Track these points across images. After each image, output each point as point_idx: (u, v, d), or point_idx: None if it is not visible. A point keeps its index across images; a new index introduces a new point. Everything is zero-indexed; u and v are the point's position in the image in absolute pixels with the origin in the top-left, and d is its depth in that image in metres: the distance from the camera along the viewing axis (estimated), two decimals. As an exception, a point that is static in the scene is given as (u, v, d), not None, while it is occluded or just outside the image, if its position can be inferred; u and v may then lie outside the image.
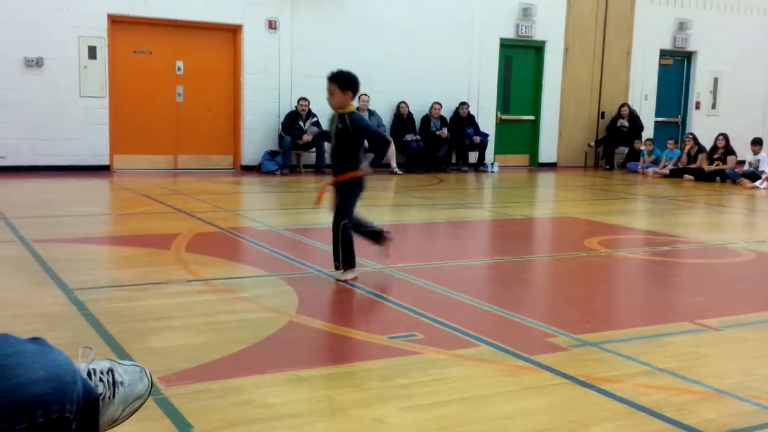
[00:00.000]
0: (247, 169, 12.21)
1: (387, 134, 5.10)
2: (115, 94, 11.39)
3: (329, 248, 5.81)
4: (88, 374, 1.49)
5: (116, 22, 11.26)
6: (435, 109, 13.43)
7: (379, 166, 11.87)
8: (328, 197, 4.92)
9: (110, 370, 1.53)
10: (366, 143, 5.03)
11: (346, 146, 4.75)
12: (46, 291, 4.29)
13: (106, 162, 11.36)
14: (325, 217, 8.21)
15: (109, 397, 1.51)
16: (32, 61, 10.69)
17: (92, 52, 11.07)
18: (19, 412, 1.23)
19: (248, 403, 2.77)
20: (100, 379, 1.51)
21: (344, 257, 4.79)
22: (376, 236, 4.99)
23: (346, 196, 4.79)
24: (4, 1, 10.38)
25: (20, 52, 10.60)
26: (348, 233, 4.78)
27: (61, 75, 10.89)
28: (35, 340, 1.35)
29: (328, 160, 4.90)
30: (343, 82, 4.64)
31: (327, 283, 4.75)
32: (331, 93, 4.67)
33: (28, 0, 10.52)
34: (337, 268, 4.83)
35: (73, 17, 10.83)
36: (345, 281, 4.72)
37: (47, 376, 1.26)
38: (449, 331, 3.75)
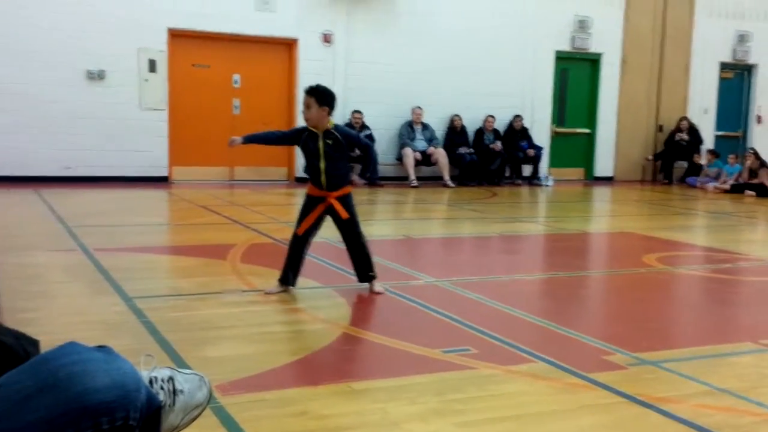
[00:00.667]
0: (302, 181, 12.32)
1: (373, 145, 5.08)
2: (174, 107, 11.63)
3: (382, 260, 5.82)
4: (150, 382, 1.51)
5: (176, 36, 11.52)
6: (488, 121, 13.36)
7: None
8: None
9: (171, 379, 1.56)
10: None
11: (339, 161, 4.72)
12: (107, 299, 4.39)
13: (165, 173, 11.60)
14: (378, 229, 8.25)
15: (169, 405, 1.54)
16: (94, 73, 11.00)
17: (152, 66, 11.35)
18: (85, 418, 1.25)
19: (302, 414, 2.78)
20: (161, 387, 1.53)
21: (371, 267, 4.80)
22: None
23: (352, 210, 4.81)
24: (68, 14, 10.71)
25: (83, 64, 10.91)
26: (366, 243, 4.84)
27: (122, 88, 11.18)
28: (101, 348, 1.38)
29: (303, 174, 4.83)
30: (321, 97, 4.64)
31: (381, 296, 4.75)
32: (307, 106, 4.66)
33: (91, 14, 10.84)
34: (362, 280, 4.82)
35: (135, 31, 11.12)
36: (379, 292, 4.74)
37: (112, 384, 1.29)
38: (503, 346, 3.71)
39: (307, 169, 4.80)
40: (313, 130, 4.68)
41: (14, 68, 10.52)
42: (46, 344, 2.47)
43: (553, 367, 3.40)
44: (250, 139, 4.91)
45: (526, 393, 3.09)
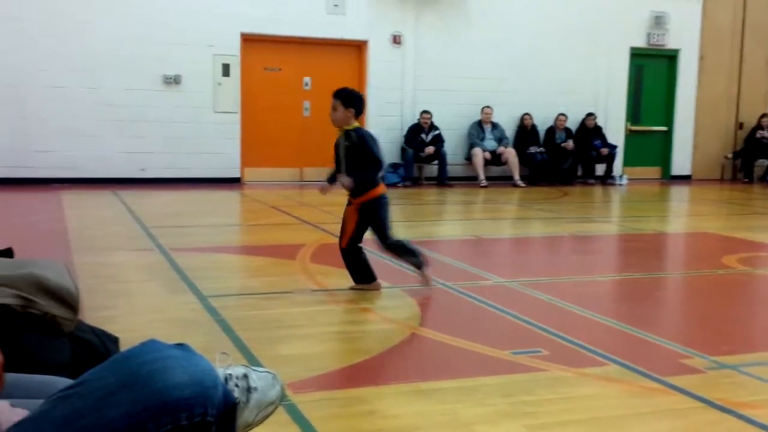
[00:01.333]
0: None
1: (384, 160, 4.94)
2: (246, 110, 11.86)
3: (451, 260, 5.80)
4: (225, 379, 1.54)
5: (248, 40, 11.73)
6: (560, 120, 13.16)
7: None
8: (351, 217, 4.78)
9: (245, 376, 1.58)
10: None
11: (358, 163, 4.66)
12: (182, 297, 4.50)
13: (237, 174, 11.84)
14: (447, 229, 8.23)
15: (244, 402, 1.57)
16: (170, 78, 11.31)
17: (226, 70, 11.59)
18: (165, 414, 1.29)
19: (372, 413, 2.79)
20: (236, 384, 1.56)
21: (411, 261, 4.77)
22: (413, 258, 4.84)
23: (378, 216, 4.69)
24: (144, 21, 11.04)
25: (159, 70, 11.23)
26: (397, 243, 4.76)
27: (196, 92, 11.46)
28: (180, 345, 1.42)
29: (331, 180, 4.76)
30: (347, 99, 4.63)
31: (449, 296, 4.73)
32: (334, 108, 4.67)
33: (167, 20, 11.14)
34: (357, 281, 4.78)
35: (209, 36, 11.38)
36: (428, 282, 4.72)
37: (191, 381, 1.32)
38: (575, 348, 3.64)
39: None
40: (341, 128, 4.71)
41: (94, 75, 10.90)
42: (125, 341, 2.54)
43: (627, 370, 3.32)
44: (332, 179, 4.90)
45: (599, 396, 3.02)
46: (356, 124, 4.75)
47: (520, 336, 3.88)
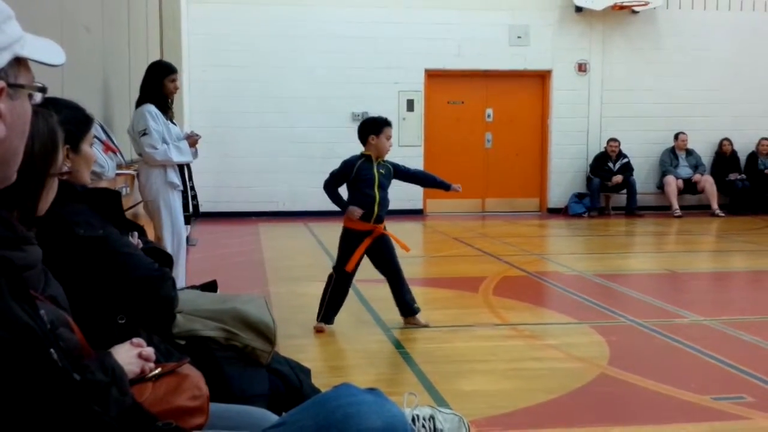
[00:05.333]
0: (554, 212, 12.12)
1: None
2: (429, 143, 12.07)
3: (643, 296, 5.52)
4: (413, 420, 1.57)
5: (432, 76, 11.97)
6: (763, 145, 12.18)
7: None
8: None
9: (432, 417, 1.60)
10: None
11: (388, 191, 4.79)
12: (368, 329, 4.63)
13: (419, 206, 12.04)
14: (637, 263, 7.84)
15: (431, 444, 1.58)
16: (358, 115, 11.77)
17: (410, 105, 11.89)
18: None
19: (558, 456, 2.70)
20: (423, 426, 1.59)
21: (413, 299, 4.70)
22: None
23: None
24: (335, 62, 11.59)
25: (349, 108, 11.74)
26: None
27: (382, 127, 11.83)
28: (372, 390, 1.46)
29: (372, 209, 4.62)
30: None
31: (641, 334, 4.49)
32: (388, 138, 4.76)
33: (357, 61, 11.63)
34: (407, 314, 4.65)
35: (395, 74, 11.75)
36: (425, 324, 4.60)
37: (383, 426, 1.36)
38: (786, 397, 3.32)
39: (356, 200, 4.73)
40: (373, 158, 4.76)
41: (287, 115, 11.59)
42: (315, 371, 2.65)
43: None
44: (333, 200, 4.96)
45: (816, 453, 2.74)
46: None
47: (720, 380, 3.60)
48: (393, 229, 11.14)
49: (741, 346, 4.20)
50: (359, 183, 4.74)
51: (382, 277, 6.49)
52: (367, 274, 6.55)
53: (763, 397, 3.30)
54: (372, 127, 4.78)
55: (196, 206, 5.51)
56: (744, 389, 3.42)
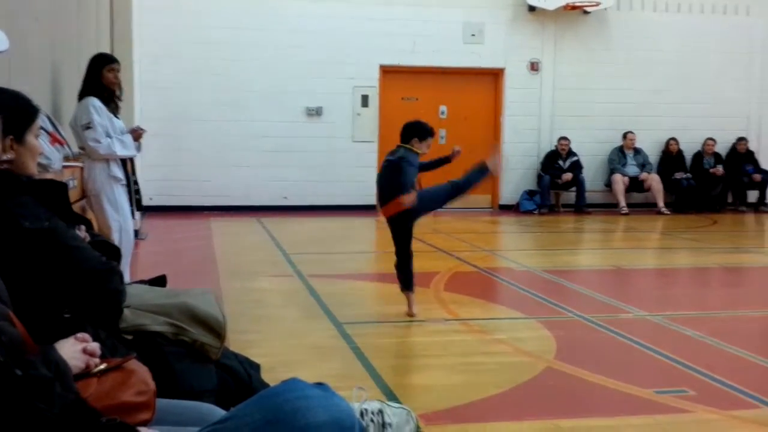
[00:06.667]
0: (505, 209, 12.26)
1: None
2: (383, 138, 12.07)
3: (589, 292, 5.64)
4: (361, 414, 1.58)
5: (387, 72, 11.99)
6: (708, 145, 12.52)
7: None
8: None
9: (380, 411, 1.62)
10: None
11: None
12: (320, 323, 4.63)
13: (372, 202, 12.04)
14: (585, 259, 7.99)
15: (379, 438, 1.60)
16: (313, 110, 11.74)
17: (365, 101, 11.90)
18: None
19: (505, 449, 2.75)
20: (371, 420, 1.60)
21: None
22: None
23: None
24: (289, 57, 11.53)
25: (303, 103, 11.69)
26: None
27: (336, 123, 11.82)
28: (319, 385, 1.47)
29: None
30: None
31: (587, 329, 4.59)
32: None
33: (311, 56, 11.58)
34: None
35: (350, 69, 11.73)
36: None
37: (331, 420, 1.38)
38: (724, 389, 3.43)
39: (411, 187, 5.08)
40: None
41: (241, 109, 11.48)
42: (266, 366, 2.65)
43: (783, 416, 3.09)
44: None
45: (752, 443, 2.83)
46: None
47: (663, 374, 3.70)
48: (346, 224, 11.14)
49: (683, 340, 4.32)
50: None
51: (334, 272, 6.52)
52: (322, 270, 6.56)
53: (704, 391, 3.40)
54: (420, 132, 5.28)
55: (138, 200, 5.44)
56: (686, 383, 3.52)
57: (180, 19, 11.16)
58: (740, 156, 12.58)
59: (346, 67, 11.70)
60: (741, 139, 12.62)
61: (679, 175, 12.29)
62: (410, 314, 4.80)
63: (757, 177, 12.49)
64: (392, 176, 4.91)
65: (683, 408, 3.17)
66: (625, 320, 4.78)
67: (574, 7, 12.00)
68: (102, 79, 4.95)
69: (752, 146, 12.78)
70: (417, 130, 5.14)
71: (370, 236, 9.97)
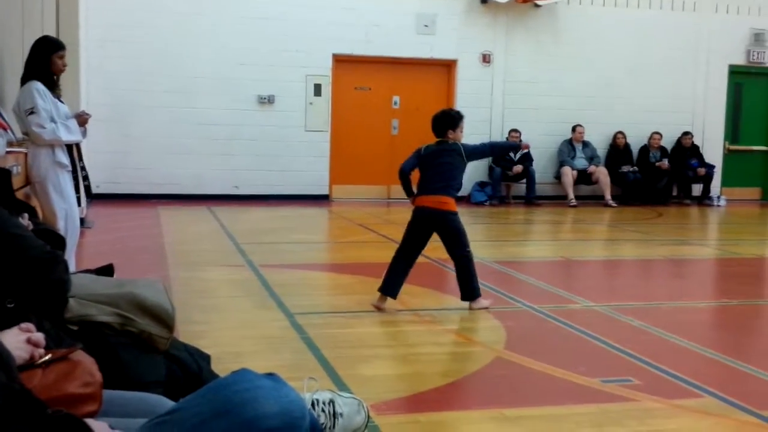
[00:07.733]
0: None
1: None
2: (336, 128, 12.05)
3: (538, 283, 5.72)
4: (312, 404, 1.58)
5: (340, 61, 11.94)
6: (654, 139, 12.80)
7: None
8: None
9: (331, 402, 1.61)
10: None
11: None
12: (270, 314, 4.60)
13: (325, 192, 12.02)
14: (534, 250, 8.10)
15: (330, 428, 1.59)
16: (265, 98, 11.63)
17: (317, 90, 11.83)
18: None
19: (455, 438, 2.77)
20: (323, 410, 1.59)
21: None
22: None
23: None
24: (241, 45, 11.39)
25: (255, 90, 11.57)
26: None
27: (289, 111, 11.73)
28: (270, 375, 1.46)
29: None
30: None
31: (536, 320, 4.65)
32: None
33: (263, 44, 11.47)
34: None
35: (302, 58, 11.65)
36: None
37: (281, 411, 1.37)
38: (668, 379, 3.51)
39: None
40: None
41: (191, 95, 11.31)
42: (216, 357, 2.62)
43: (724, 403, 3.18)
44: None
45: (693, 430, 2.91)
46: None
47: (609, 363, 3.78)
48: (298, 214, 11.09)
49: (629, 330, 4.41)
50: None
51: (285, 262, 6.48)
52: (273, 259, 6.51)
53: (649, 380, 3.48)
54: (452, 122, 5.11)
55: (87, 187, 5.32)
56: (631, 372, 3.59)
57: (128, 3, 10.92)
58: (685, 150, 12.89)
59: (298, 55, 11.62)
60: (686, 134, 12.93)
61: (625, 168, 12.54)
62: (379, 307, 4.71)
63: (702, 171, 12.82)
64: (453, 171, 5.02)
65: (628, 397, 3.24)
66: (574, 311, 4.86)
67: (525, 0, 12.11)
68: (51, 66, 4.83)
69: (697, 141, 13.10)
70: (448, 121, 5.05)
71: (323, 226, 9.94)
